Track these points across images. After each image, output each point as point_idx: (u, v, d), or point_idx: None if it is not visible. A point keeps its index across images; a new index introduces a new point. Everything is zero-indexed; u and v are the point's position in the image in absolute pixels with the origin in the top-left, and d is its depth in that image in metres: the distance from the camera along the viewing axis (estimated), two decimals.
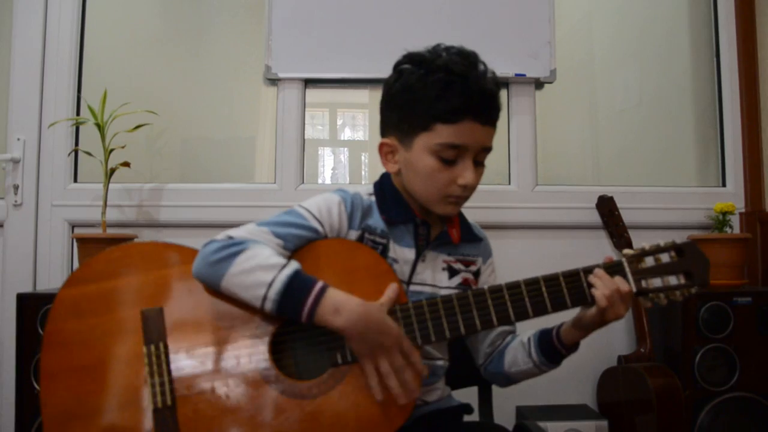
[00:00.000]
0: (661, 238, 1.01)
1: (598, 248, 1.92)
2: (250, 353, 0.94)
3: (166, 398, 0.91)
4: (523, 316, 0.97)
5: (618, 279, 0.97)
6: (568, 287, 0.98)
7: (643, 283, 0.98)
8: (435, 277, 1.08)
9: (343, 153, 2.08)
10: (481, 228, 1.18)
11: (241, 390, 0.92)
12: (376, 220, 1.06)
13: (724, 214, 1.81)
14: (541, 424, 1.63)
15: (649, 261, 0.99)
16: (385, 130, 1.08)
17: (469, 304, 0.97)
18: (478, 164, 1.03)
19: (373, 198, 1.09)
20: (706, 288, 1.00)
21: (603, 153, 2.09)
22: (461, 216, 1.15)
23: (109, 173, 1.72)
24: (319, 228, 1.02)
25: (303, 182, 1.95)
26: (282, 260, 0.94)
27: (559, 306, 0.98)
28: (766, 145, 1.99)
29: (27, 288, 1.84)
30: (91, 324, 0.95)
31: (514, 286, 0.98)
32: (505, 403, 1.77)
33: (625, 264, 0.99)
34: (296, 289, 0.91)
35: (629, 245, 1.76)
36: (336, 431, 0.92)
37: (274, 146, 1.95)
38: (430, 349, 1.07)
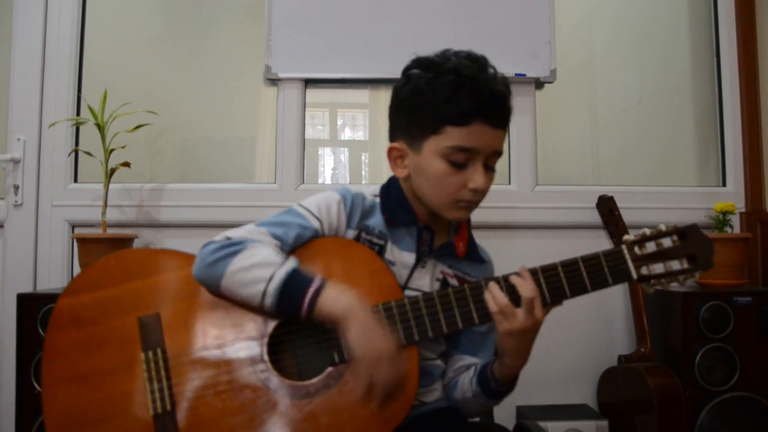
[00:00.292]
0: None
1: (598, 248, 1.85)
2: (247, 355, 0.94)
3: (165, 403, 0.92)
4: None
5: (521, 284, 0.94)
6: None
7: (644, 270, 0.96)
8: (432, 286, 1.07)
9: (343, 153, 2.08)
10: (481, 228, 1.17)
11: (239, 392, 0.92)
12: (376, 222, 1.06)
13: (725, 213, 1.81)
14: (541, 423, 1.63)
15: (651, 246, 0.97)
16: (394, 135, 1.06)
17: (450, 302, 0.96)
18: (489, 168, 1.01)
19: (377, 200, 1.08)
20: (712, 268, 0.96)
21: (603, 153, 2.09)
22: (470, 232, 1.13)
23: (109, 173, 1.72)
24: (318, 226, 1.02)
25: (303, 182, 1.95)
26: (281, 258, 0.94)
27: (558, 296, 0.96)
28: (766, 144, 1.99)
29: (27, 288, 1.84)
30: (90, 332, 0.96)
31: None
32: (505, 402, 1.77)
33: (625, 251, 0.97)
34: (296, 283, 0.91)
35: None
36: (335, 431, 0.92)
37: (274, 146, 1.95)
38: (423, 350, 1.05)
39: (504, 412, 1.74)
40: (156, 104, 1.85)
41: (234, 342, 0.95)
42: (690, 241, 0.97)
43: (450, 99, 0.95)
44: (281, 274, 0.91)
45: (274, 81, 1.94)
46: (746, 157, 2.01)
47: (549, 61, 1.93)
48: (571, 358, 1.89)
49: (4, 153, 1.88)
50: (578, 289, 0.96)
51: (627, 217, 1.84)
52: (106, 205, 1.72)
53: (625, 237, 0.99)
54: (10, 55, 1.90)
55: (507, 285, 0.96)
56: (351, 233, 1.05)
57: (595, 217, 1.89)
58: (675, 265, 0.96)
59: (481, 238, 1.16)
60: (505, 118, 1.00)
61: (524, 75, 1.92)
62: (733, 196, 1.98)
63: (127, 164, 1.73)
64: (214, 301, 0.97)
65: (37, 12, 1.90)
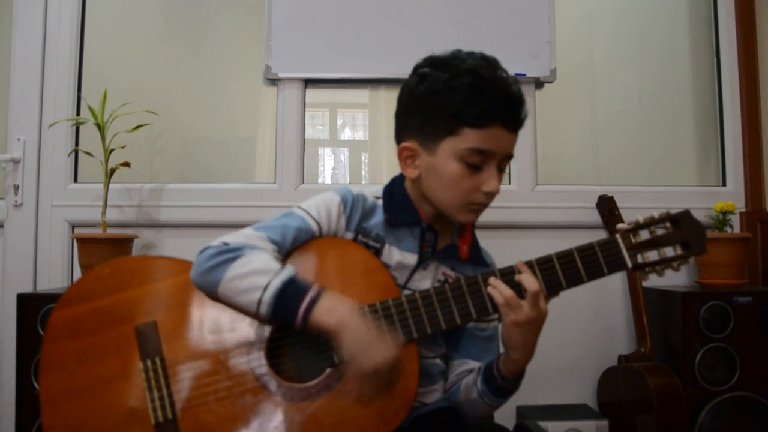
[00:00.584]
0: None
1: None
2: (247, 360, 0.94)
3: (166, 412, 0.91)
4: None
5: (525, 279, 0.94)
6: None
7: (639, 258, 0.96)
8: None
9: (343, 153, 2.08)
10: (481, 228, 1.17)
11: (240, 397, 0.92)
12: (375, 224, 1.05)
13: (725, 213, 1.81)
14: (541, 423, 1.63)
15: (644, 234, 0.97)
16: (404, 135, 1.03)
17: (448, 299, 0.95)
18: (500, 171, 1.01)
19: (379, 201, 1.07)
20: (705, 253, 0.97)
21: (603, 153, 2.09)
22: (474, 234, 1.12)
23: (109, 173, 1.72)
24: (317, 229, 1.01)
25: (303, 182, 1.95)
26: (278, 265, 0.93)
27: (553, 289, 0.96)
28: (766, 144, 1.99)
29: (27, 288, 1.83)
30: (86, 344, 0.95)
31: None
32: (506, 403, 1.77)
33: (619, 240, 0.97)
34: (292, 292, 0.91)
35: None
36: None
37: (274, 146, 1.95)
38: (423, 349, 1.05)
39: (504, 412, 1.74)
40: (156, 104, 1.85)
41: (232, 347, 0.95)
42: (683, 227, 0.97)
43: (469, 100, 0.94)
44: (277, 283, 0.90)
45: (274, 81, 1.94)
46: (746, 157, 2.01)
47: (549, 61, 1.93)
48: (571, 357, 1.89)
49: (4, 153, 1.88)
50: (574, 280, 0.96)
51: (627, 217, 1.84)
52: (106, 205, 1.72)
53: (619, 225, 0.99)
54: (10, 55, 1.90)
55: (507, 280, 0.96)
56: (349, 235, 1.04)
57: (595, 217, 1.89)
58: (669, 251, 0.97)
59: (481, 238, 1.16)
60: (521, 122, 1.01)
61: (524, 75, 1.92)
62: (733, 195, 1.98)
63: (127, 164, 1.73)
64: (210, 306, 0.96)
65: (37, 12, 1.90)
